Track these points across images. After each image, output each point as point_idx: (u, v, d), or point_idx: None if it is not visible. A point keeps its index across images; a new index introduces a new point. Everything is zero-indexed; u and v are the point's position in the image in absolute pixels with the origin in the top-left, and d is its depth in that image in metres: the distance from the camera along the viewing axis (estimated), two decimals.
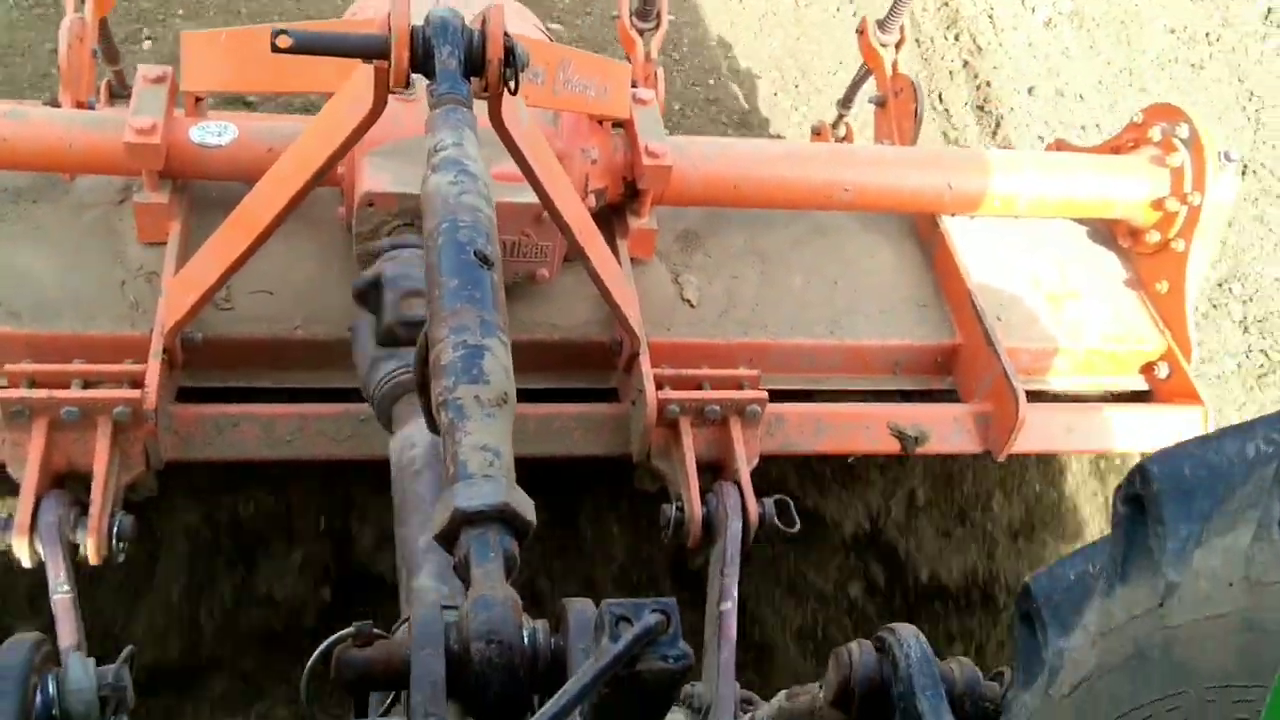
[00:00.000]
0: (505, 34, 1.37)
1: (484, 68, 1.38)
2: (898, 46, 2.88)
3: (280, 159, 1.74)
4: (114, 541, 1.86)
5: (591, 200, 2.23)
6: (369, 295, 1.92)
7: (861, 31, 2.92)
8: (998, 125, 4.81)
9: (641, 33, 2.79)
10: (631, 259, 2.37)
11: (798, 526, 2.11)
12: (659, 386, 2.13)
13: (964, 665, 1.30)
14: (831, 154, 2.50)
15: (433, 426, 1.11)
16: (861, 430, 2.29)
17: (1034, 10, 5.19)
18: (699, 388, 2.16)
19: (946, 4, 5.16)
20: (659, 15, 2.80)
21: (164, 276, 2.10)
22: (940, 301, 2.53)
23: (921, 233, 2.63)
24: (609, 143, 2.28)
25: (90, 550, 1.83)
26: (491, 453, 1.02)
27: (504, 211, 1.98)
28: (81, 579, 1.84)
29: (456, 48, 1.35)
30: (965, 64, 5.00)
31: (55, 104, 2.42)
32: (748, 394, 2.14)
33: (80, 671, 1.15)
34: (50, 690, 1.21)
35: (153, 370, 1.93)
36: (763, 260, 2.51)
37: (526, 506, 1.02)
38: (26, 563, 1.83)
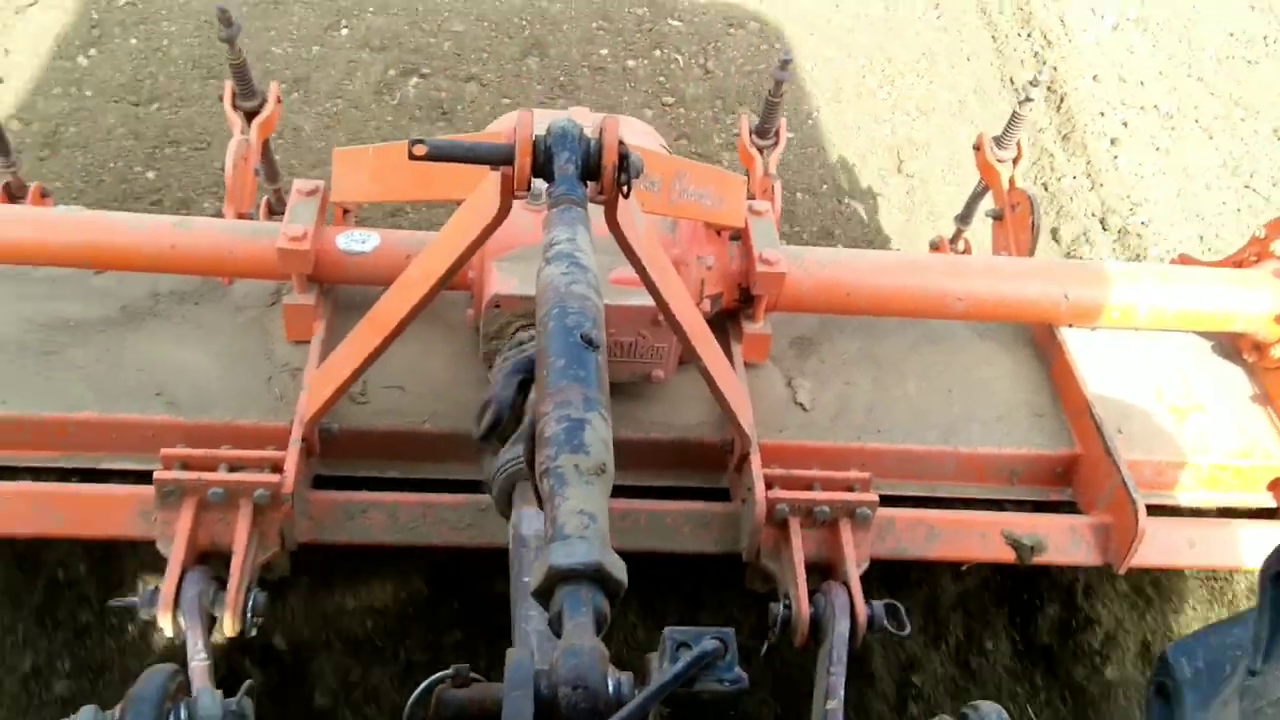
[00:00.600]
0: (620, 142, 1.48)
1: (599, 173, 1.49)
2: (1015, 162, 2.93)
3: (414, 262, 1.88)
4: (248, 616, 1.97)
5: (707, 305, 2.32)
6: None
7: (978, 148, 2.98)
8: (1061, 101, 5.32)
9: (760, 150, 2.90)
10: (745, 362, 2.44)
11: (909, 630, 2.10)
12: (769, 486, 2.17)
13: None
14: (945, 264, 2.54)
15: (537, 485, 1.19)
16: (975, 538, 2.28)
17: (1103, 17, 5.83)
18: (810, 488, 2.19)
19: (1021, 9, 5.82)
20: (778, 134, 2.92)
21: (306, 371, 2.26)
22: (1058, 411, 2.52)
23: (1038, 341, 2.63)
24: (725, 251, 2.38)
25: (226, 624, 1.95)
26: (588, 516, 1.09)
27: (621, 314, 2.11)
28: None
29: (574, 154, 1.47)
30: (1035, 54, 5.57)
31: (220, 215, 2.66)
32: (858, 496, 2.16)
33: (209, 700, 1.25)
34: (182, 716, 1.32)
35: (291, 457, 2.07)
36: (876, 366, 2.55)
37: (618, 567, 1.08)
38: (169, 633, 1.95)
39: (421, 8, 5.27)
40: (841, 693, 1.92)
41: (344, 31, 5.11)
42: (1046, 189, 4.90)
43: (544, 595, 1.05)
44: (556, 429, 1.14)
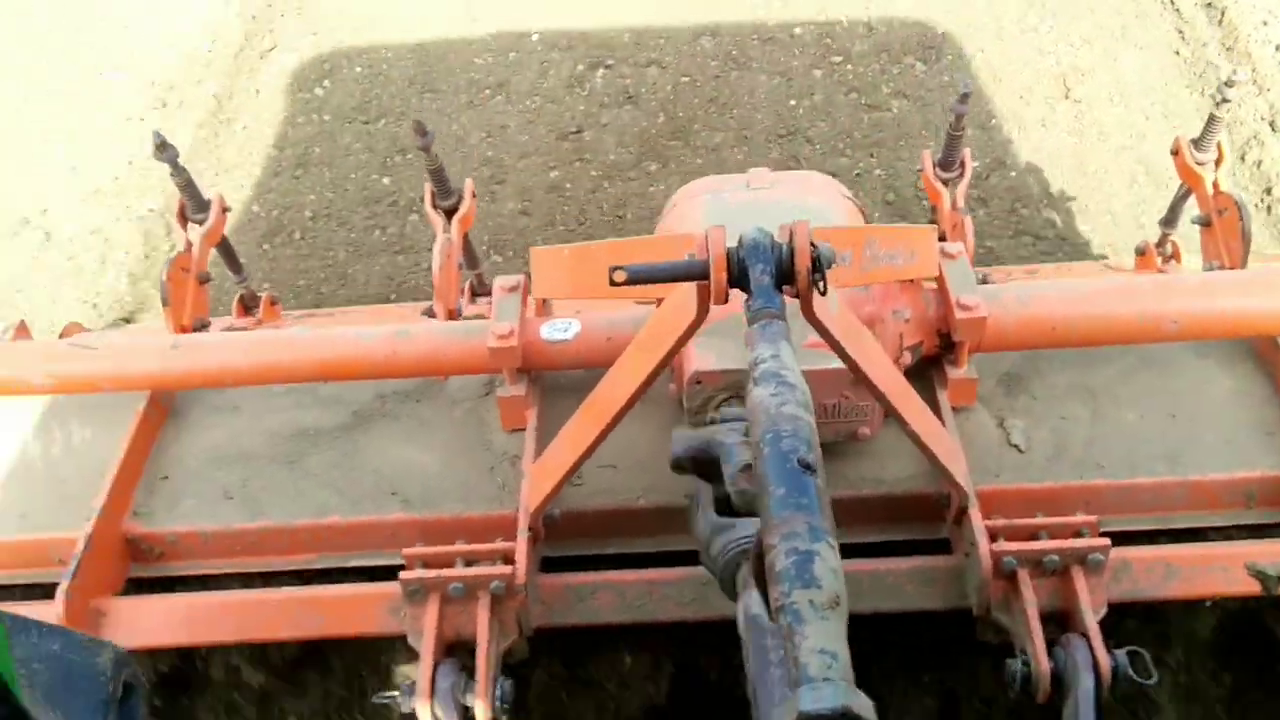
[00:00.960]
0: (811, 244, 1.51)
1: (794, 278, 1.52)
2: (1216, 164, 2.79)
3: (618, 363, 1.95)
4: (498, 704, 2.08)
5: (907, 357, 2.31)
6: (700, 465, 2.07)
7: (1176, 152, 2.85)
8: (1222, 15, 5.42)
9: (946, 183, 2.86)
10: (953, 408, 2.41)
11: (1155, 679, 2.02)
12: (993, 538, 2.13)
13: None
14: (1154, 286, 2.44)
15: (771, 617, 1.22)
16: (1217, 572, 2.17)
17: None
18: (1035, 537, 2.15)
19: None
20: (962, 164, 2.87)
21: (524, 460, 2.37)
22: None
23: (1260, 355, 2.49)
24: (920, 299, 2.36)
25: (479, 713, 2.06)
26: (829, 655, 1.11)
27: (822, 378, 2.12)
28: None
29: (768, 264, 1.51)
30: None
31: (431, 313, 2.83)
32: (1089, 542, 2.09)
33: None
34: None
35: (520, 548, 2.17)
36: (1091, 398, 2.47)
37: (867, 709, 1.09)
38: None
39: (600, 7, 5.79)
40: None
41: (534, 38, 5.70)
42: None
43: None
44: (786, 563, 1.17)
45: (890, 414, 1.94)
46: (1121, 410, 2.44)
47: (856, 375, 1.79)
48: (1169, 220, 3.08)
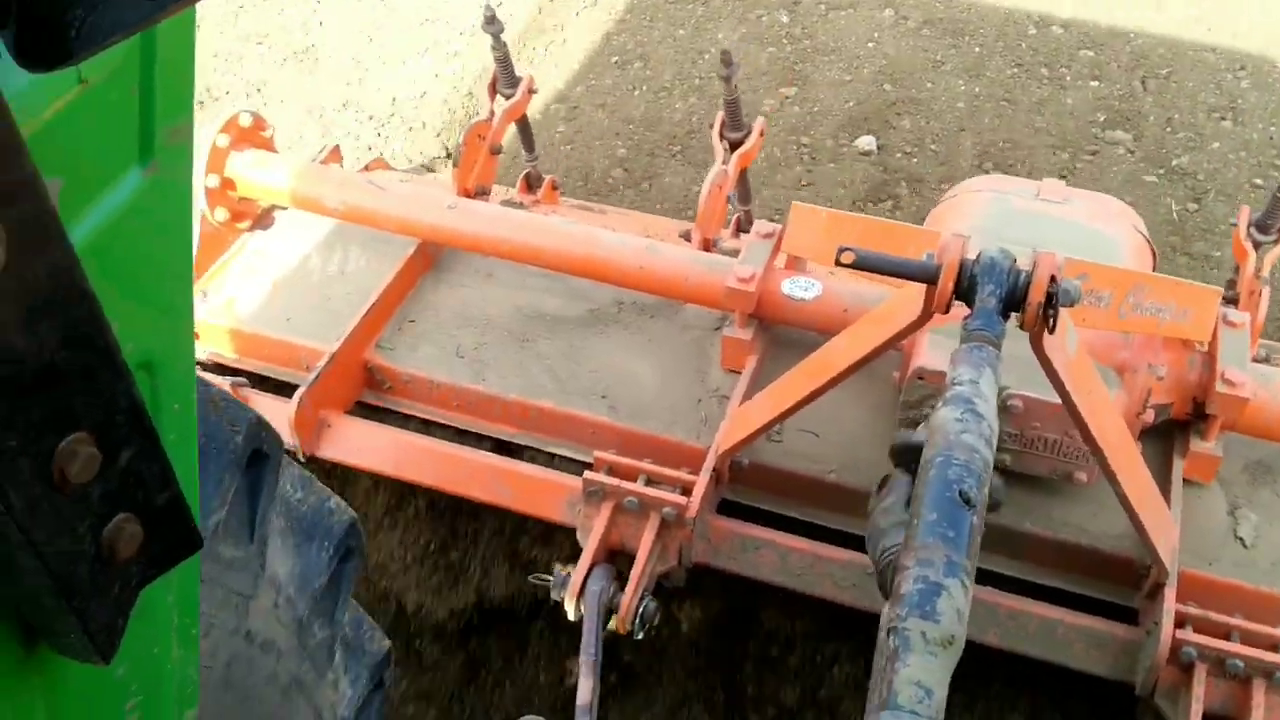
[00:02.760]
0: (1053, 278, 1.44)
1: (1023, 307, 1.46)
2: None
3: (841, 334, 1.94)
4: (638, 620, 2.17)
5: (1150, 415, 2.17)
6: (910, 457, 2.05)
7: None
8: None
9: (1258, 245, 2.62)
10: (1185, 480, 2.25)
11: None
12: (1180, 624, 2.01)
13: None
14: None
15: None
16: None
17: None
18: (1227, 637, 2.00)
19: None
20: None
21: (732, 402, 2.40)
22: None
23: None
24: (1184, 361, 2.20)
25: (617, 621, 2.16)
26: (924, 690, 1.10)
27: (1049, 410, 2.04)
28: None
29: (999, 287, 1.45)
30: None
31: (688, 237, 2.88)
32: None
33: None
34: None
35: (700, 484, 2.23)
36: None
37: None
38: (571, 616, 2.19)
39: None
40: None
41: None
42: None
43: None
44: (912, 589, 1.16)
45: (1101, 468, 1.84)
46: None
47: (1074, 419, 1.71)
48: None
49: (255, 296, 2.77)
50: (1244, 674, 1.95)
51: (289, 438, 2.39)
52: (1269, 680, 1.94)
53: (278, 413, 2.42)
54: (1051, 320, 1.45)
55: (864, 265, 1.48)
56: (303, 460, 2.47)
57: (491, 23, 2.95)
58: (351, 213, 2.71)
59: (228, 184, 2.77)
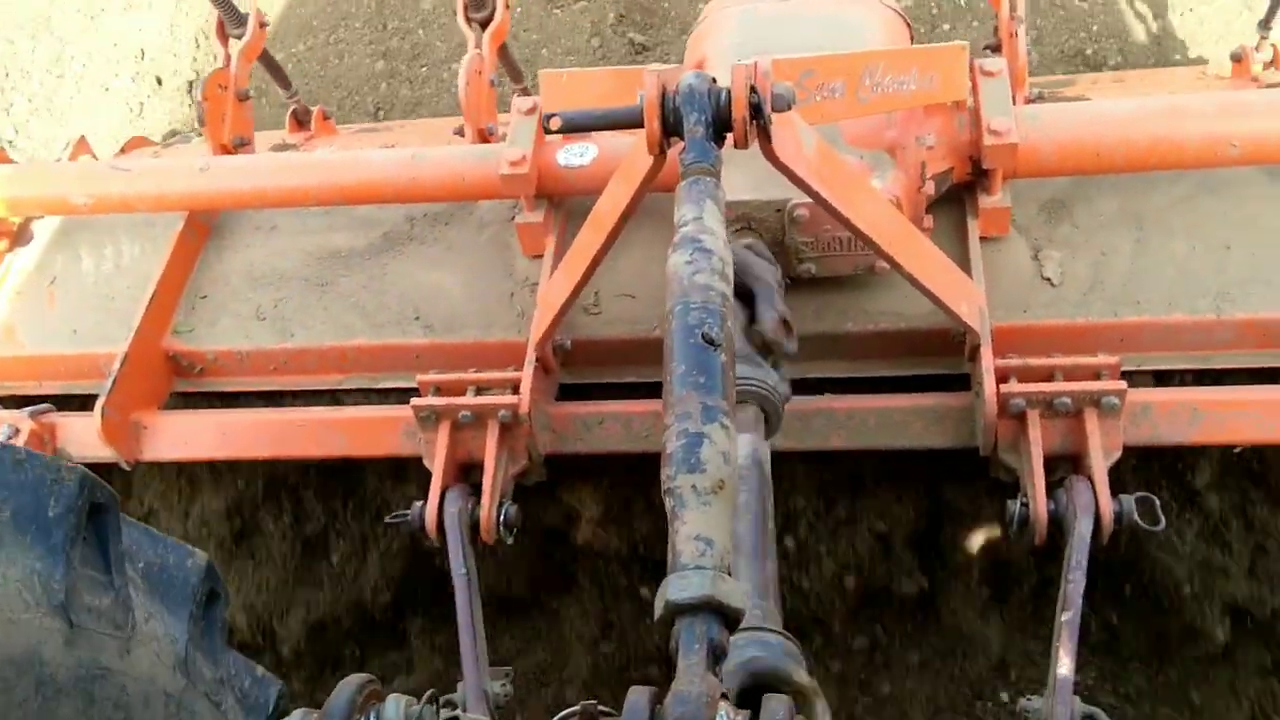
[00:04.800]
0: (752, 89, 1.40)
1: (732, 126, 1.43)
2: None
3: (604, 194, 1.89)
4: (501, 528, 2.16)
5: (930, 188, 2.18)
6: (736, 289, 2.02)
7: None
8: None
9: None
10: (984, 238, 2.28)
11: (1162, 525, 1.96)
12: (1004, 378, 2.06)
13: None
14: (1213, 106, 2.20)
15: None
16: (1249, 419, 2.06)
17: None
18: (1050, 378, 2.06)
19: None
20: None
21: (540, 288, 2.36)
22: None
23: None
24: (953, 124, 2.21)
25: (482, 534, 2.15)
26: (704, 542, 1.10)
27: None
28: None
29: (704, 113, 1.41)
30: None
31: (461, 133, 2.78)
32: (1103, 385, 2.00)
33: (393, 710, 1.38)
34: None
35: (526, 377, 2.20)
36: (1139, 227, 2.30)
37: (734, 595, 1.09)
38: (435, 543, 2.17)
39: None
40: (1079, 602, 1.84)
41: None
42: None
43: (665, 625, 1.09)
44: (675, 446, 1.15)
45: (879, 254, 1.85)
46: (1171, 241, 2.27)
47: (833, 216, 1.70)
48: (1265, 22, 2.78)
49: (33, 317, 2.63)
50: (1074, 409, 2.01)
51: (102, 450, 2.30)
52: (1098, 408, 2.01)
53: (86, 429, 2.32)
54: (764, 131, 1.42)
55: (573, 128, 1.43)
56: (128, 468, 2.38)
57: None
58: (103, 204, 2.56)
59: None
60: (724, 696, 1.04)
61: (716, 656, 1.06)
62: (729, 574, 1.10)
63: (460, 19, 2.87)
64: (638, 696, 1.05)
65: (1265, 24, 2.79)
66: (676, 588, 1.08)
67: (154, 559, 1.62)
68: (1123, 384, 1.99)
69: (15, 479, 1.33)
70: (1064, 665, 1.78)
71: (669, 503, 1.15)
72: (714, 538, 1.11)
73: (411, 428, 2.27)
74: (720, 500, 1.13)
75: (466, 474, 2.27)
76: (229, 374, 2.53)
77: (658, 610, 1.10)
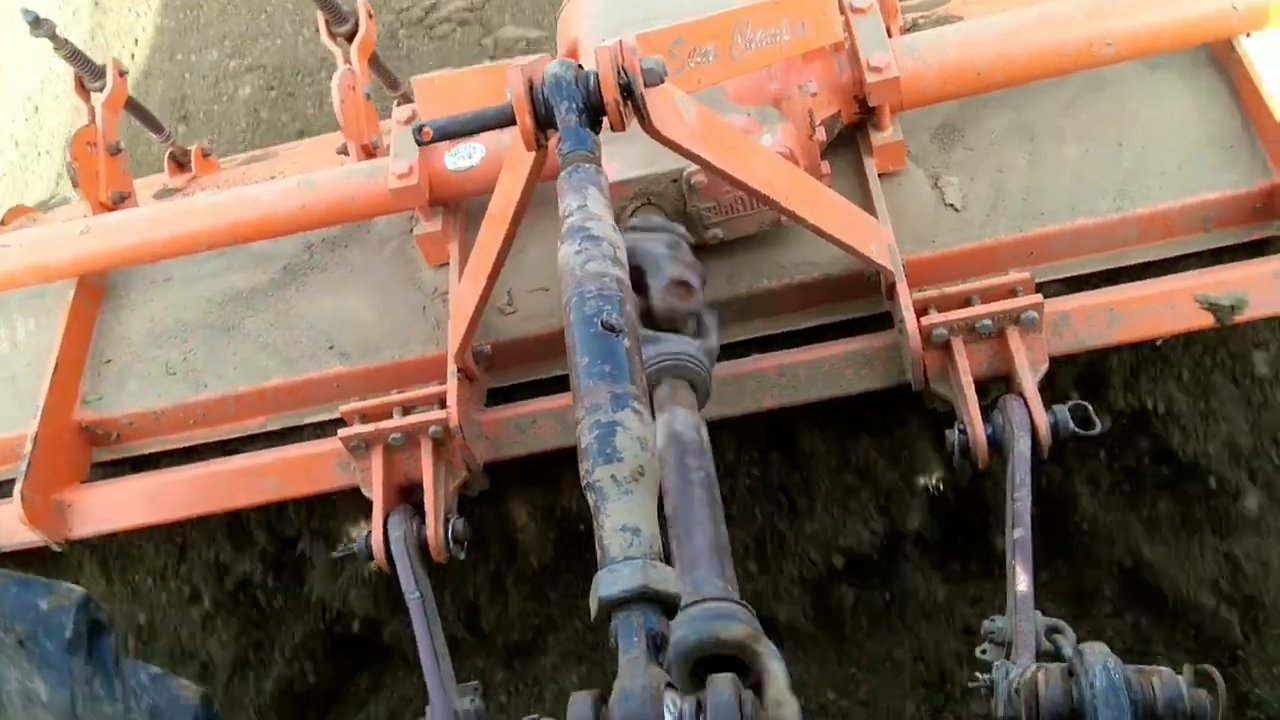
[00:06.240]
0: (621, 69, 1.38)
1: (606, 110, 1.40)
2: None
3: (495, 192, 1.85)
4: (450, 544, 2.12)
5: (821, 133, 2.17)
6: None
7: None
8: None
9: None
10: (882, 174, 2.28)
11: (1099, 428, 1.98)
12: (924, 310, 2.06)
13: (1165, 680, 1.21)
14: (1081, 8, 2.21)
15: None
16: (1164, 310, 2.08)
17: None
18: (968, 303, 2.07)
19: None
20: None
21: (450, 297, 2.32)
22: (1251, 138, 2.22)
23: (1218, 61, 2.30)
24: (831, 66, 2.20)
25: (431, 553, 2.11)
26: (630, 532, 1.08)
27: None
28: None
29: (574, 101, 1.38)
30: None
31: (345, 151, 2.72)
32: (1020, 301, 2.02)
33: None
34: None
35: (451, 389, 2.16)
36: (1030, 139, 2.32)
37: (666, 581, 1.07)
38: (385, 569, 2.13)
39: None
40: (1028, 519, 1.86)
41: None
42: None
43: (602, 623, 1.07)
44: (590, 438, 1.13)
45: (778, 210, 1.83)
46: (1064, 147, 2.29)
47: (725, 180, 1.69)
48: None
49: None
50: (996, 329, 2.03)
51: (28, 535, 2.23)
52: (1019, 324, 2.02)
53: (6, 514, 2.24)
54: (642, 110, 1.40)
55: (446, 136, 1.39)
56: (58, 549, 2.30)
57: (38, 25, 2.65)
58: None
59: None
60: (670, 686, 1.03)
61: (658, 646, 1.05)
62: (660, 560, 1.08)
63: (324, 35, 2.80)
64: (580, 701, 1.04)
65: None
66: (607, 583, 1.06)
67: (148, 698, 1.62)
68: (1038, 297, 2.01)
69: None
70: (1022, 582, 1.80)
71: (591, 498, 1.13)
72: (640, 525, 1.09)
73: (344, 459, 2.22)
74: (641, 487, 1.11)
75: (407, 495, 2.23)
76: (147, 435, 2.46)
77: (593, 609, 1.08)
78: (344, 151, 2.72)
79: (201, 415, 2.41)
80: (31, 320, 2.64)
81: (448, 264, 2.39)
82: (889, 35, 2.20)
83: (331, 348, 2.42)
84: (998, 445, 1.99)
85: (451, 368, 2.19)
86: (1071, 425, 1.97)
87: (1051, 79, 2.32)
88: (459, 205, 2.45)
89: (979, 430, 1.97)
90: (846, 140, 2.32)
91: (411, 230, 2.48)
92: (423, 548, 2.13)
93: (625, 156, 2.06)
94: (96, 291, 2.60)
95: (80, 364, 2.49)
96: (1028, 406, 1.97)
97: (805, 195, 1.85)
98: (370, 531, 2.14)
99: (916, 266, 2.15)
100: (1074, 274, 2.22)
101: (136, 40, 4.95)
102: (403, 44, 4.62)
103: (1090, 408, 1.99)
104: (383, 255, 2.54)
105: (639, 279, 1.94)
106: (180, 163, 3.23)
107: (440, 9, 4.64)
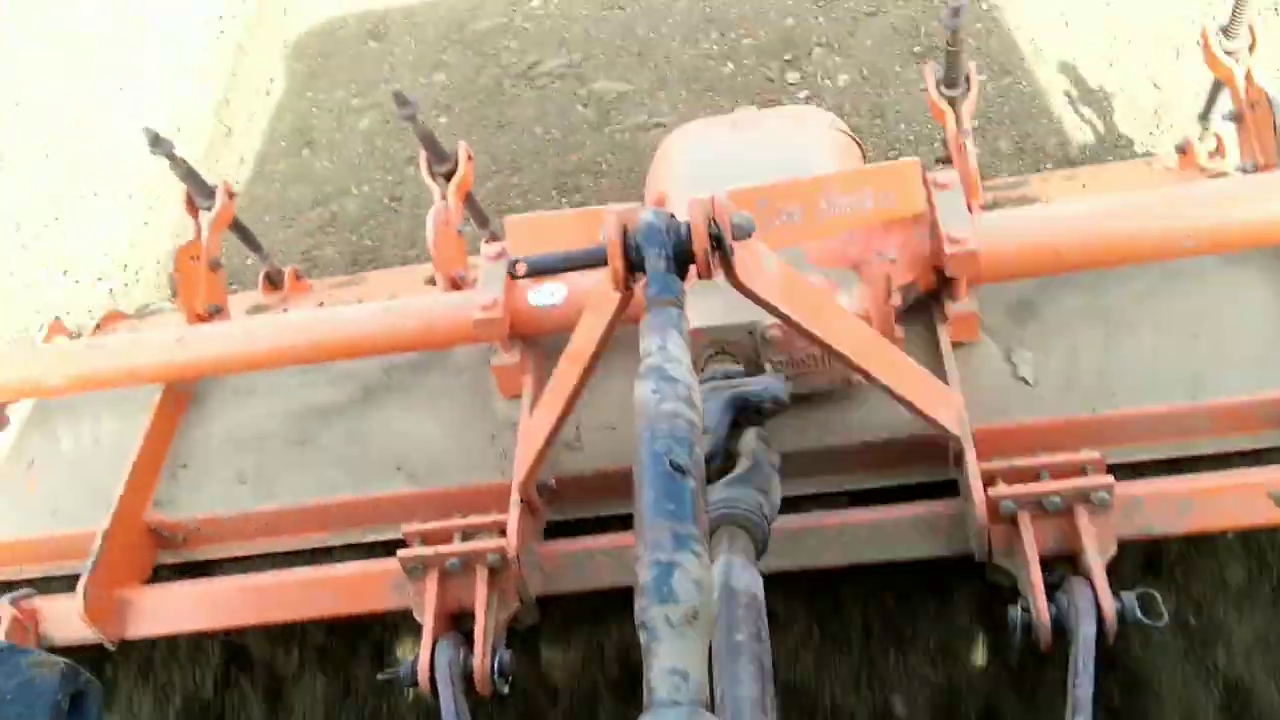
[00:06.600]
0: (712, 221, 1.44)
1: (694, 258, 1.46)
2: (1250, 50, 2.58)
3: (576, 330, 1.91)
4: (496, 677, 2.10)
5: (898, 298, 2.21)
6: None
7: (1203, 42, 2.64)
8: None
9: (951, 101, 2.71)
10: (955, 343, 2.31)
11: (1165, 620, 1.93)
12: (991, 481, 2.05)
13: None
14: (1163, 200, 2.27)
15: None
16: (1237, 503, 2.05)
17: None
18: (1037, 478, 2.06)
19: None
20: (968, 80, 2.71)
21: (520, 428, 2.36)
22: None
23: None
24: (912, 235, 2.25)
25: (476, 685, 2.09)
26: (680, 676, 1.07)
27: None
28: None
29: (664, 248, 1.45)
30: None
31: (433, 281, 2.82)
32: (1091, 480, 2.00)
33: None
34: None
35: (513, 519, 2.18)
36: (1105, 322, 2.34)
37: None
38: (430, 697, 2.11)
39: None
40: (1089, 707, 1.80)
41: None
42: None
43: None
44: (648, 576, 1.13)
45: (852, 369, 1.86)
46: (1139, 333, 2.30)
47: (803, 335, 1.73)
48: (1205, 114, 2.88)
49: (12, 502, 2.60)
50: (1064, 506, 2.01)
51: (85, 631, 2.25)
52: (1088, 503, 2.00)
53: (68, 611, 2.27)
54: (727, 261, 1.45)
55: (538, 272, 1.46)
56: (111, 648, 2.32)
57: (157, 143, 2.82)
58: (78, 382, 2.55)
59: None
60: None
61: None
62: (706, 709, 1.07)
63: (425, 173, 2.94)
64: None
65: (1205, 115, 2.89)
66: None
67: None
68: (1110, 478, 1.99)
69: None
70: None
71: (643, 636, 1.12)
72: (690, 670, 1.08)
73: (400, 580, 2.23)
74: (696, 631, 1.11)
75: (457, 622, 2.23)
76: (213, 541, 2.50)
77: None
78: (432, 281, 2.82)
79: (266, 525, 2.45)
80: (115, 421, 2.73)
81: (520, 396, 2.44)
82: (969, 211, 2.26)
83: (399, 469, 2.46)
84: (1060, 628, 1.94)
85: (515, 498, 2.21)
86: (1138, 613, 1.93)
87: (1127, 269, 2.36)
88: (536, 340, 2.52)
89: (1044, 611, 1.93)
90: (922, 308, 2.36)
91: (490, 361, 2.55)
92: (468, 678, 2.11)
93: (703, 306, 2.12)
94: (183, 398, 2.69)
95: (158, 467, 2.56)
96: (1094, 591, 1.93)
97: (879, 356, 1.88)
98: (416, 657, 2.14)
99: (985, 437, 2.15)
100: (1143, 459, 2.20)
101: (272, 79, 5.36)
102: (507, 92, 4.94)
103: (1158, 596, 1.95)
104: (459, 382, 2.60)
105: (735, 426, 1.95)
106: (274, 282, 3.37)
107: (543, 64, 4.95)
